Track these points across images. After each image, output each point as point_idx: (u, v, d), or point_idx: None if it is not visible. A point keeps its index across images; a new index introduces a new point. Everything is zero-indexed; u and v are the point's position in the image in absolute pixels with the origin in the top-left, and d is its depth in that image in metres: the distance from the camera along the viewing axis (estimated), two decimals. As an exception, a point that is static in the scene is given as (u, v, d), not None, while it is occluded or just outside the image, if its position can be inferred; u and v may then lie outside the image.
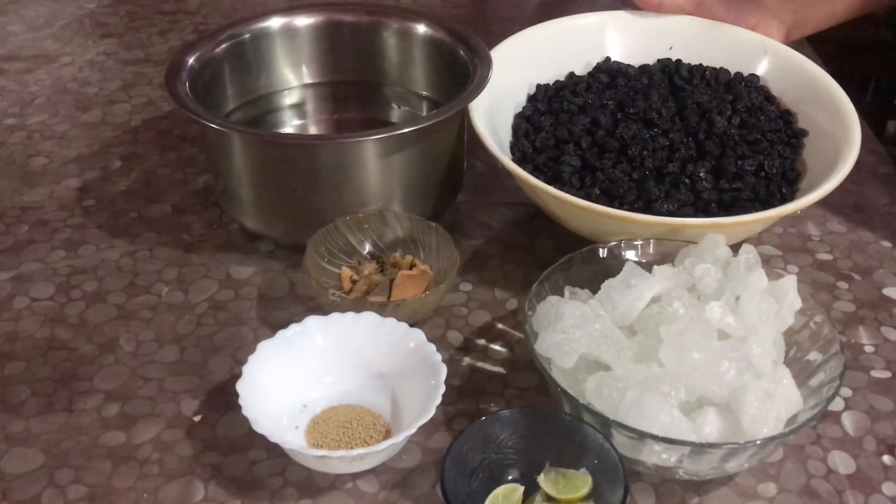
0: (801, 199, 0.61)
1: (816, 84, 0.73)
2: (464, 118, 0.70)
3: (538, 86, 0.76)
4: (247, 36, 0.73)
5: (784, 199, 0.67)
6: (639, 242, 0.60)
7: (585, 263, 0.60)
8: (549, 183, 0.68)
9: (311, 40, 0.75)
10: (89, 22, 1.05)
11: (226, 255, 0.69)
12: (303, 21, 0.74)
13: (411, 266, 0.65)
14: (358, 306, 0.58)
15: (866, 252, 0.71)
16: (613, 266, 0.59)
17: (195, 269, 0.68)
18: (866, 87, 1.80)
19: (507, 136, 0.73)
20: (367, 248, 0.66)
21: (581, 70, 0.79)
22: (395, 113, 0.79)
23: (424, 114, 0.78)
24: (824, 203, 0.74)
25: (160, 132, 0.84)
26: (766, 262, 0.70)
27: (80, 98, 0.90)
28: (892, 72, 1.78)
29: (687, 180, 0.66)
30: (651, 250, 0.61)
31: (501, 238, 0.72)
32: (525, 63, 0.77)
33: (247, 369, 0.54)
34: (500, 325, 0.64)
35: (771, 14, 0.78)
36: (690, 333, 0.50)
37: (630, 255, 0.60)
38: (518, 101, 0.76)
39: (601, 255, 0.60)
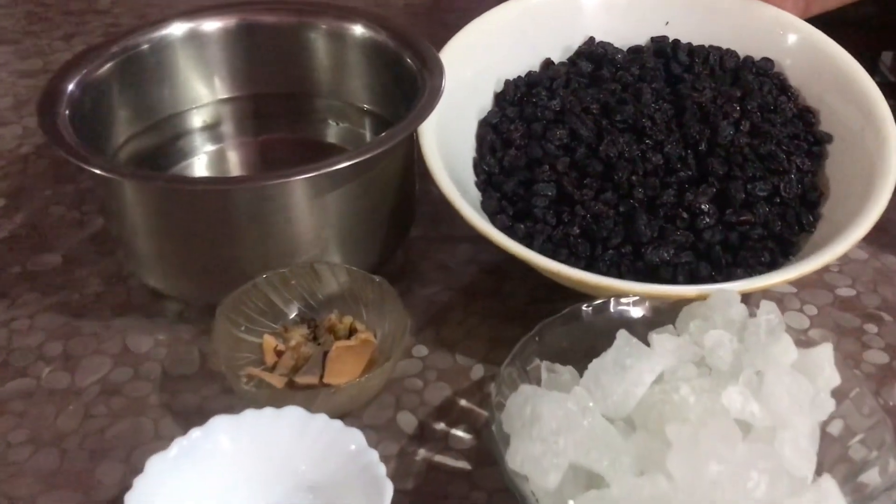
0: (828, 250, 0.50)
1: (843, 73, 0.61)
2: (413, 140, 0.58)
3: (507, 82, 0.64)
4: (144, 47, 0.59)
5: (803, 229, 0.56)
6: (631, 299, 0.49)
7: (566, 326, 0.48)
8: (520, 218, 0.56)
9: (224, 47, 0.62)
10: (-20, 26, 0.91)
11: (124, 319, 0.56)
12: (212, 25, 0.61)
13: (350, 331, 0.52)
14: (279, 398, 0.45)
15: (894, 284, 0.60)
16: (600, 326, 0.48)
17: (85, 342, 0.55)
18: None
19: (469, 149, 0.61)
20: (296, 309, 0.54)
21: (560, 55, 0.66)
22: (333, 131, 0.66)
23: (367, 131, 0.65)
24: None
25: (55, 161, 0.71)
26: (779, 301, 0.58)
27: (-37, 120, 0.76)
28: (876, 48, 1.69)
29: (685, 214, 0.54)
30: (647, 305, 0.49)
31: (463, 283, 0.60)
32: (492, 51, 0.64)
33: (131, 497, 0.41)
34: (462, 402, 0.52)
35: None
36: (707, 437, 0.38)
37: (621, 311, 0.49)
38: (483, 101, 0.63)
39: (583, 317, 0.48)
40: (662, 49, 0.64)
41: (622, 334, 0.44)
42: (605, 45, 0.65)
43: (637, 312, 0.49)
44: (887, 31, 1.68)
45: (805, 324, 0.57)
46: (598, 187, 0.56)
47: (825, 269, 0.61)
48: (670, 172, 0.57)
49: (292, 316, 0.54)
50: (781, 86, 0.62)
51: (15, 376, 0.53)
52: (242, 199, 0.50)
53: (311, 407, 0.45)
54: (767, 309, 0.45)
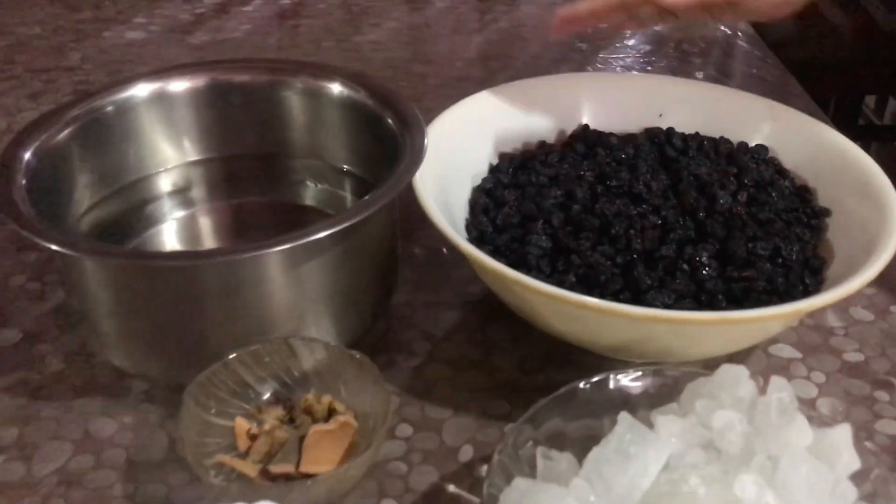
0: (839, 288, 0.47)
1: (838, 155, 0.59)
2: (395, 202, 0.55)
3: (501, 155, 0.62)
4: (107, 109, 0.56)
5: (808, 292, 0.53)
6: (629, 374, 0.45)
7: (562, 406, 0.44)
8: (513, 267, 0.53)
9: (194, 108, 0.59)
10: (-56, 85, 0.88)
11: (87, 401, 0.52)
12: (179, 86, 0.58)
13: (329, 413, 0.49)
14: (250, 492, 0.41)
15: (903, 347, 0.57)
16: (599, 405, 0.44)
17: (44, 427, 0.51)
18: (826, 107, 1.70)
19: (461, 213, 0.59)
20: (271, 388, 0.50)
21: (553, 139, 0.65)
22: (311, 193, 0.63)
23: (347, 193, 0.62)
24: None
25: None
26: (785, 367, 0.56)
27: (-79, 184, 0.72)
28: (854, 91, 1.69)
29: (685, 266, 0.52)
30: (649, 382, 0.46)
31: (449, 353, 0.56)
32: (485, 129, 0.63)
33: None
34: (451, 489, 0.48)
35: None
36: (722, 536, 0.35)
37: (620, 388, 0.45)
38: (476, 172, 0.61)
39: (582, 395, 0.45)
40: (656, 136, 0.63)
41: (624, 419, 0.41)
42: (598, 132, 0.63)
43: (637, 388, 0.46)
44: (868, 74, 1.68)
45: (813, 392, 0.54)
46: (595, 241, 0.53)
47: (830, 331, 0.58)
48: (668, 232, 0.54)
49: (266, 396, 0.50)
50: (777, 168, 0.61)
51: (-35, 467, 0.49)
52: (211, 273, 0.47)
53: (285, 501, 0.41)
54: (778, 386, 0.42)
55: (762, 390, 0.43)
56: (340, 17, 1.04)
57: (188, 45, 0.96)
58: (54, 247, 0.45)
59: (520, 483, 0.38)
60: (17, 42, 0.96)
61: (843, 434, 0.40)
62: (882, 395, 0.54)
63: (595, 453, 0.40)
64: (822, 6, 1.85)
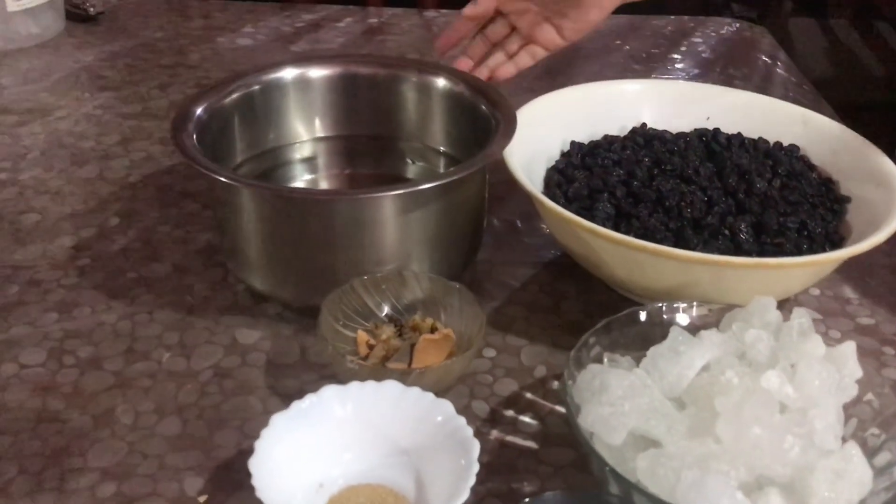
0: (859, 244, 0.58)
1: (858, 154, 0.70)
2: (485, 174, 0.67)
3: (572, 143, 0.74)
4: (257, 87, 0.69)
5: (829, 258, 0.64)
6: (681, 305, 0.56)
7: (624, 328, 0.55)
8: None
9: (325, 93, 0.72)
10: (86, 75, 1.02)
11: (231, 318, 0.65)
12: (317, 73, 0.71)
13: (432, 329, 0.60)
14: (378, 374, 0.53)
15: (910, 315, 0.68)
16: (654, 331, 0.55)
17: (198, 334, 0.63)
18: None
19: (538, 188, 0.70)
20: (385, 310, 0.62)
21: (617, 133, 0.77)
22: (411, 169, 0.75)
23: (441, 170, 0.74)
24: (861, 265, 0.71)
25: (160, 188, 0.80)
26: (806, 326, 0.66)
27: (76, 153, 0.86)
28: (888, 134, 1.80)
29: (727, 231, 0.63)
30: (695, 313, 0.57)
31: (524, 299, 0.68)
32: (558, 122, 0.75)
33: (260, 445, 0.48)
34: (528, 395, 0.59)
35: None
36: (750, 406, 0.46)
37: (672, 318, 0.56)
38: (550, 156, 0.74)
39: (641, 319, 0.56)
40: (704, 135, 0.74)
41: (676, 329, 0.52)
42: (654, 129, 0.76)
43: (685, 320, 0.56)
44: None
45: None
46: (651, 210, 0.65)
47: (847, 300, 0.69)
48: (713, 206, 0.65)
49: (382, 315, 0.62)
50: (807, 163, 0.72)
51: (140, 359, 0.61)
52: (343, 210, 0.59)
53: (405, 383, 0.53)
54: (800, 314, 0.53)
55: (786, 318, 0.54)
56: (421, 35, 1.17)
57: (291, 53, 1.10)
58: (224, 179, 0.58)
59: (592, 367, 0.50)
60: (144, 43, 1.11)
61: (849, 348, 0.51)
62: (889, 350, 0.64)
63: (652, 350, 0.51)
64: (858, 52, 1.97)
